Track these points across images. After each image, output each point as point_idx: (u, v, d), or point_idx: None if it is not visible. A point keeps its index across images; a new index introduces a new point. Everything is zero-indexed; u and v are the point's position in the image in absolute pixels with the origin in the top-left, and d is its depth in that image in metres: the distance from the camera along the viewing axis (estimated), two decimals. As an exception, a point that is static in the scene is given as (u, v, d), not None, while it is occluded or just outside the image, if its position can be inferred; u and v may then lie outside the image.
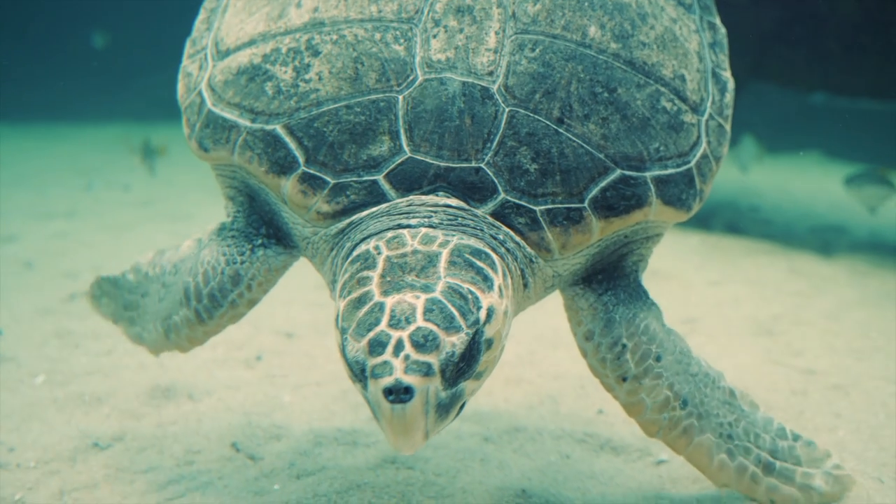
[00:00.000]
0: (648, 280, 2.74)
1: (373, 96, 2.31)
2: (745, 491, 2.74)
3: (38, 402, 3.66)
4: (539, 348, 4.56)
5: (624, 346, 2.52)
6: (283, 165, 2.33)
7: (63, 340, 4.47)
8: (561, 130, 2.32)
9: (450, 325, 1.94)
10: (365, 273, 2.08)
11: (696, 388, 2.64)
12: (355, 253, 2.19)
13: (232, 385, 3.95)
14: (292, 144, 2.32)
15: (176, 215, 8.15)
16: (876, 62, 7.63)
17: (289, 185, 2.32)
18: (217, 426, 3.49)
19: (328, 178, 2.29)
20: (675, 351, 2.62)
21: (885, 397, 3.96)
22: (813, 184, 9.79)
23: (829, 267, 6.63)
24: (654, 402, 2.57)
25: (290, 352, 4.47)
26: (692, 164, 2.49)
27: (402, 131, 2.28)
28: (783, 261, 6.70)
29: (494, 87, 2.31)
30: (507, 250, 2.26)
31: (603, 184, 2.33)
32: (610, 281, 2.58)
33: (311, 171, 2.30)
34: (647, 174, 2.38)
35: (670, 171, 2.43)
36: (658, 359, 2.55)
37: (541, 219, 2.28)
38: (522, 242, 2.29)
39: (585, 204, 2.31)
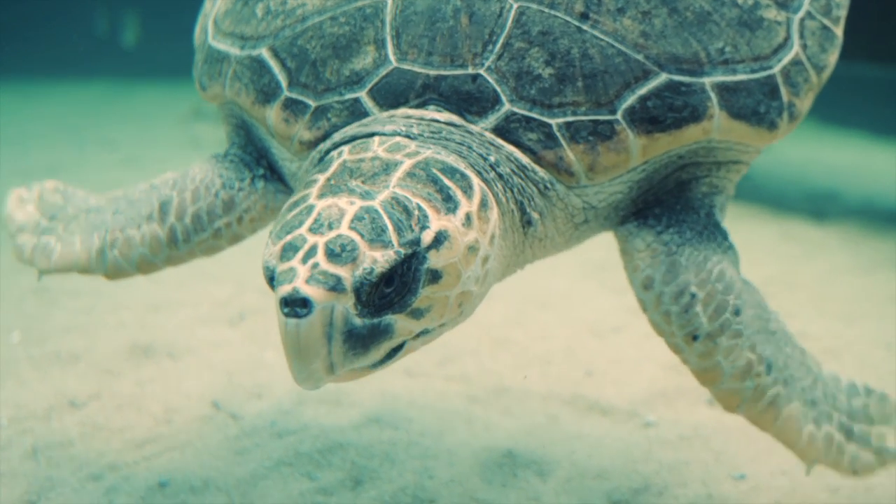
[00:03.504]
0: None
1: (359, 3, 2.02)
2: (832, 465, 2.25)
3: (13, 359, 3.58)
4: (527, 309, 4.49)
5: (693, 295, 2.03)
6: (266, 93, 2.07)
7: (40, 297, 4.37)
8: (585, 28, 1.92)
9: (376, 238, 1.62)
10: (315, 176, 1.81)
11: (778, 348, 2.16)
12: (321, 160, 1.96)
13: (214, 343, 3.87)
14: (276, 68, 2.07)
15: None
16: (874, 26, 7.52)
17: (272, 115, 2.06)
18: (198, 384, 3.42)
19: (309, 102, 2.01)
20: (754, 304, 2.14)
21: (877, 361, 3.92)
22: (806, 149, 9.70)
23: (821, 232, 6.57)
24: (734, 366, 2.06)
25: (273, 310, 4.39)
26: (775, 69, 2.00)
27: (388, 39, 1.97)
28: (775, 226, 6.63)
29: None
30: (499, 175, 1.91)
31: (642, 91, 1.91)
32: (671, 216, 2.11)
33: (293, 96, 2.03)
34: (706, 79, 1.94)
35: (740, 76, 1.97)
36: (737, 312, 2.05)
37: (557, 133, 1.90)
38: (533, 165, 1.92)
39: (618, 115, 1.90)
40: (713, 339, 2.03)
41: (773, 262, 5.64)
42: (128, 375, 3.48)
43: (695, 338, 2.04)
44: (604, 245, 4.26)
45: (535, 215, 1.98)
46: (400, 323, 1.66)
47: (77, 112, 11.62)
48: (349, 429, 3.07)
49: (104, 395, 3.26)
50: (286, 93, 2.04)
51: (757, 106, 1.98)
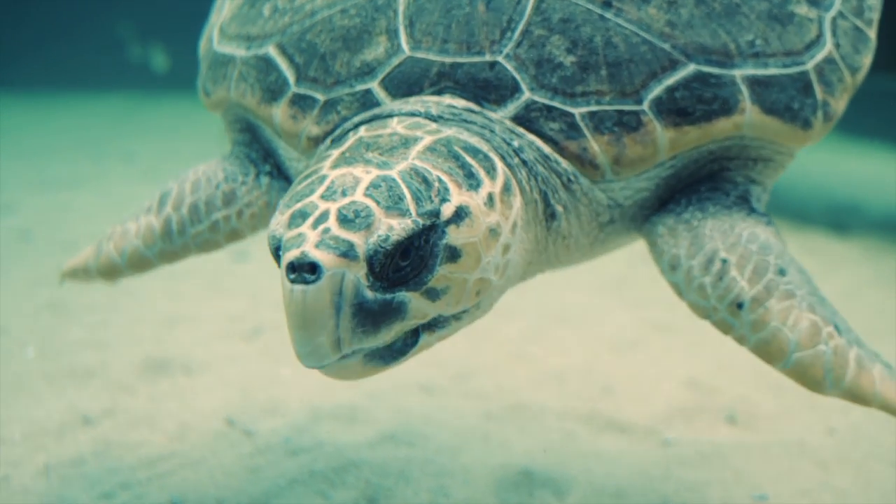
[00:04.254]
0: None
1: None
2: None
3: (28, 374, 3.57)
4: (545, 324, 4.45)
5: (724, 261, 1.84)
6: (274, 91, 1.99)
7: (56, 312, 4.37)
8: (608, 16, 1.84)
9: (393, 206, 1.52)
10: (329, 152, 1.72)
11: (836, 312, 1.89)
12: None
13: (229, 358, 3.85)
14: (283, 65, 1.99)
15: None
16: (894, 37, 7.44)
17: (279, 112, 1.98)
18: (212, 401, 3.39)
19: (318, 96, 1.93)
20: (800, 268, 1.92)
21: (902, 378, 3.84)
22: (827, 161, 9.62)
23: (843, 246, 6.50)
24: (798, 330, 1.79)
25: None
26: (808, 66, 1.90)
27: (401, 28, 1.89)
28: (796, 239, 6.55)
29: None
30: (523, 162, 1.81)
31: (669, 81, 1.81)
32: (694, 196, 1.97)
33: (301, 91, 1.95)
34: (736, 72, 1.84)
35: (772, 70, 1.87)
36: (781, 272, 1.84)
37: (580, 123, 1.80)
38: (556, 156, 1.83)
39: (645, 106, 1.80)
40: (761, 304, 1.81)
41: (794, 276, 5.57)
42: (142, 391, 3.46)
43: (739, 306, 1.82)
44: (623, 260, 4.23)
45: (559, 208, 1.88)
46: (414, 302, 1.56)
47: (97, 125, 11.71)
48: (364, 446, 3.03)
49: (118, 412, 3.24)
50: (294, 89, 1.96)
51: (790, 102, 1.88)
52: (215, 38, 2.24)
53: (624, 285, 5.16)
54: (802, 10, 1.96)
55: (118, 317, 4.31)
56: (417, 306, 1.57)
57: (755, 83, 1.85)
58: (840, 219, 7.41)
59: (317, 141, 1.94)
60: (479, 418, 3.34)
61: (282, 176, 2.23)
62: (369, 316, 1.51)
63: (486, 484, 2.82)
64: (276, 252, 1.55)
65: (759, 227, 1.92)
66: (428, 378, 3.68)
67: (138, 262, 2.29)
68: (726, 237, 1.87)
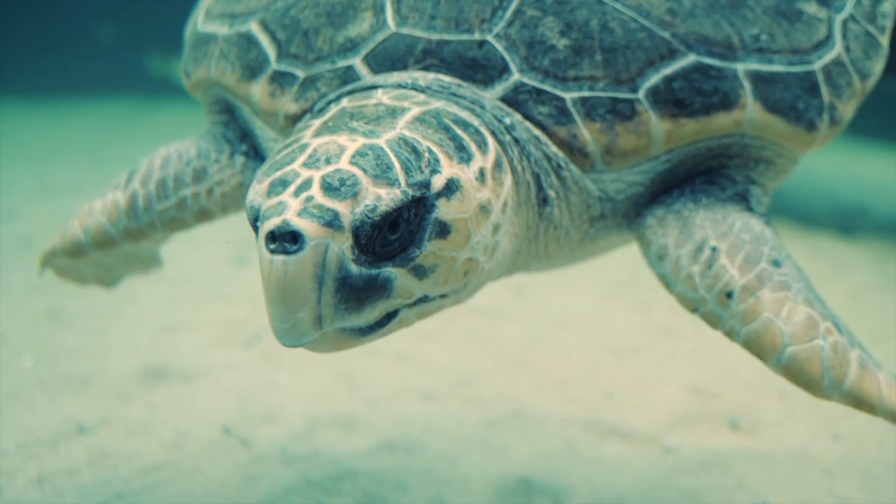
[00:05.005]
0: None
1: None
2: None
3: (24, 383, 3.54)
4: (546, 330, 4.41)
5: (714, 248, 1.75)
6: (253, 68, 1.91)
7: (55, 319, 4.34)
8: (606, 0, 1.77)
9: (381, 175, 1.44)
10: (309, 122, 1.65)
11: (833, 313, 1.78)
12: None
13: (228, 365, 3.81)
14: (265, 41, 1.91)
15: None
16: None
17: (258, 90, 1.89)
18: (209, 408, 3.36)
19: (298, 73, 1.85)
20: (797, 265, 1.81)
21: (908, 383, 3.79)
22: (834, 163, 9.55)
23: (850, 249, 6.44)
24: (793, 323, 1.67)
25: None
26: (815, 66, 1.82)
27: (388, 4, 1.81)
28: (802, 241, 6.51)
29: None
30: (515, 140, 1.74)
31: (667, 70, 1.73)
32: (688, 188, 1.89)
33: (281, 68, 1.87)
34: (739, 66, 1.76)
35: (777, 67, 1.78)
36: (776, 263, 1.73)
37: (571, 109, 1.72)
38: (546, 140, 1.75)
39: (640, 94, 1.72)
40: (752, 293, 1.69)
41: (799, 280, 5.53)
42: (138, 399, 3.43)
43: (729, 295, 1.71)
44: (624, 264, 4.18)
45: (551, 193, 1.80)
46: (400, 279, 1.49)
47: (100, 131, 11.71)
48: (361, 454, 3.00)
49: (113, 421, 3.21)
50: (274, 66, 1.88)
51: (795, 101, 1.79)
52: (200, 19, 2.17)
53: (626, 289, 5.11)
54: (812, 8, 1.88)
55: (117, 323, 4.28)
56: (403, 284, 1.49)
57: (758, 79, 1.77)
58: (846, 221, 7.35)
59: (294, 119, 1.86)
60: (478, 425, 3.30)
61: (258, 157, 2.15)
62: (353, 292, 1.43)
63: (484, 492, 2.79)
64: (255, 223, 1.46)
65: (754, 219, 1.83)
66: (428, 385, 3.64)
67: (102, 240, 2.19)
68: (717, 226, 1.78)
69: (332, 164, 1.45)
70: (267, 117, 1.92)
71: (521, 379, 3.79)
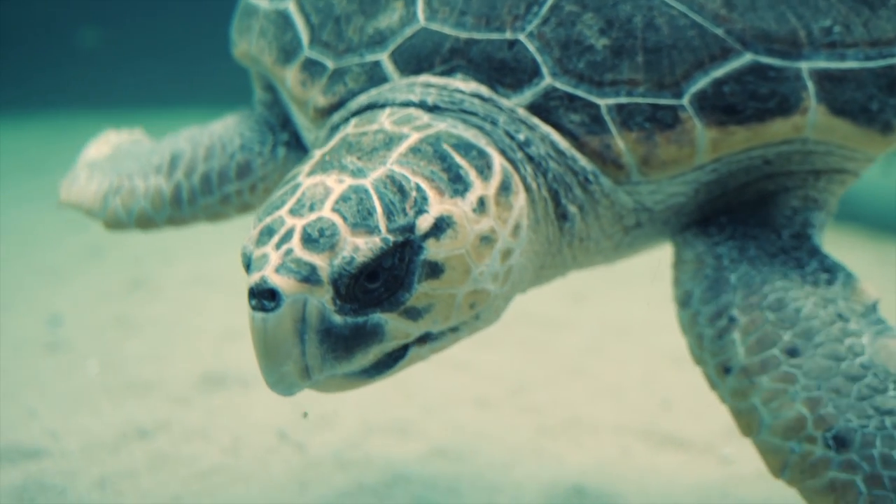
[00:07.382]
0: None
1: None
2: None
3: (90, 388, 3.65)
4: (604, 337, 4.38)
5: (732, 319, 1.64)
6: (288, 52, 1.85)
7: (121, 326, 4.47)
8: None
9: (360, 222, 1.41)
10: (315, 151, 1.62)
11: (862, 410, 1.57)
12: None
13: (286, 372, 3.87)
14: (300, 23, 1.86)
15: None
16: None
17: (291, 76, 1.84)
18: (266, 414, 3.41)
19: (328, 63, 1.79)
20: (836, 344, 1.62)
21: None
22: (906, 167, 9.29)
23: (922, 257, 6.25)
24: (777, 416, 1.59)
25: None
26: None
27: None
28: (871, 250, 6.34)
29: None
30: (528, 157, 1.65)
31: (718, 73, 1.58)
32: (739, 228, 1.74)
33: (312, 56, 1.81)
34: (803, 64, 1.59)
35: (850, 63, 1.60)
36: (791, 352, 1.60)
37: (606, 117, 1.60)
38: (573, 152, 1.65)
39: (684, 100, 1.59)
40: (749, 377, 1.61)
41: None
42: (198, 405, 3.51)
43: (727, 370, 1.64)
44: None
45: (572, 208, 1.71)
46: (392, 324, 1.45)
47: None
48: (414, 461, 3.02)
49: (173, 425, 3.28)
50: (306, 52, 1.83)
51: (868, 102, 1.61)
52: None
53: (687, 297, 5.05)
54: None
55: (180, 330, 4.38)
56: (397, 327, 1.46)
57: (825, 78, 1.60)
58: (920, 228, 7.16)
59: (323, 113, 1.81)
60: (532, 433, 3.30)
61: (299, 147, 2.13)
62: (340, 341, 1.41)
63: (536, 499, 2.78)
64: (248, 269, 1.46)
65: (800, 290, 1.67)
66: (483, 392, 3.65)
67: (145, 223, 2.22)
68: (748, 295, 1.66)
69: (315, 211, 1.43)
70: (299, 106, 1.88)
71: (577, 387, 3.77)
